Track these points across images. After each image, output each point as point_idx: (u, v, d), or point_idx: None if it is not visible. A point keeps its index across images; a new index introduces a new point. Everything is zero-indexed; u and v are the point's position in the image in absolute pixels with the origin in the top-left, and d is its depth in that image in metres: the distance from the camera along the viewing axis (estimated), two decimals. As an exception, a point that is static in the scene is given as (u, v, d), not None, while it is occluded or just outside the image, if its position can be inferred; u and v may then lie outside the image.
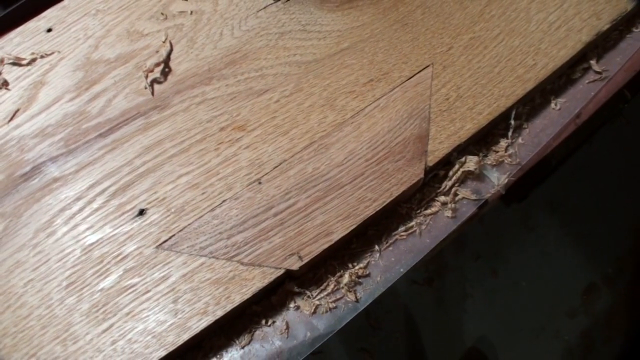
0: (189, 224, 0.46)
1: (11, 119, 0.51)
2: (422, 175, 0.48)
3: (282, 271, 0.45)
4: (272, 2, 0.54)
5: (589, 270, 1.57)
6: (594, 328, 1.52)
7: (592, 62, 0.57)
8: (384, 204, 0.47)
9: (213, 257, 0.45)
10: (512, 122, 0.53)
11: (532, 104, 0.55)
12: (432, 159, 0.48)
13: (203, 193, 0.47)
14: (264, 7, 0.54)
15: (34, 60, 0.53)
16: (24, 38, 0.54)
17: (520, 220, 1.60)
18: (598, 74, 0.57)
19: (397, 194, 0.47)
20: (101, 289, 0.45)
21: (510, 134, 0.53)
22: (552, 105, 0.56)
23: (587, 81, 0.57)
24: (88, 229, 0.47)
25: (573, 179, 1.61)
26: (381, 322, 1.45)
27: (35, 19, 0.55)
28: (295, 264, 0.45)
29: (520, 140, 0.54)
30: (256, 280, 0.44)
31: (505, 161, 0.53)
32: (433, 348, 1.49)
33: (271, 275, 0.44)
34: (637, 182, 1.61)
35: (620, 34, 0.59)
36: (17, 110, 0.51)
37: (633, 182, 1.61)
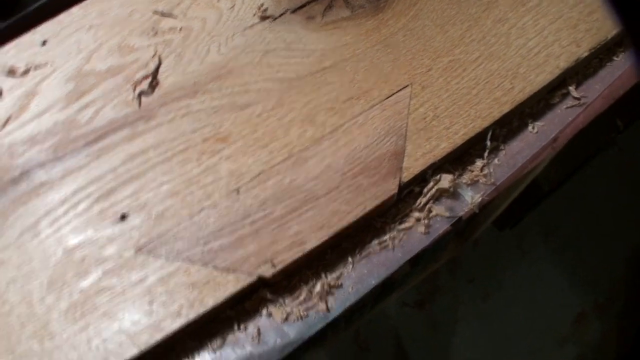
0: (168, 230, 0.48)
1: (3, 126, 0.53)
2: (395, 191, 0.49)
3: (255, 277, 0.46)
4: (259, 21, 0.56)
5: (581, 298, 1.56)
6: (583, 358, 1.51)
7: (571, 88, 0.59)
8: (357, 217, 0.48)
9: (189, 261, 0.46)
10: (489, 142, 0.54)
11: (509, 126, 0.57)
12: (407, 175, 0.50)
13: (183, 200, 0.49)
14: (251, 26, 0.56)
15: (27, 71, 0.55)
16: (20, 50, 0.56)
17: (514, 245, 1.61)
18: (576, 99, 0.58)
19: (370, 208, 0.48)
20: (80, 289, 0.46)
21: (486, 154, 0.55)
22: (530, 128, 0.57)
23: (565, 106, 0.58)
24: (71, 231, 0.48)
25: (567, 206, 1.61)
26: (370, 344, 1.45)
27: (31, 32, 0.57)
28: (268, 271, 0.46)
29: (496, 161, 0.55)
30: (230, 286, 0.46)
31: (480, 181, 0.54)
32: (422, 372, 1.49)
33: (244, 281, 0.46)
34: (631, 212, 1.61)
35: (601, 62, 0.61)
36: (9, 118, 0.53)
37: (627, 211, 1.62)
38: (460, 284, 1.54)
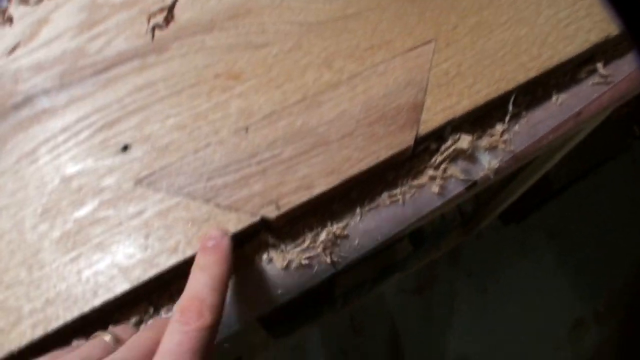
0: (171, 163, 0.45)
1: (10, 52, 0.51)
2: (412, 143, 0.47)
3: (258, 218, 0.44)
4: (282, -37, 0.54)
5: (580, 304, 1.54)
6: (576, 365, 1.49)
7: (599, 64, 0.56)
8: (370, 165, 0.46)
9: (191, 197, 0.44)
10: (511, 107, 0.52)
11: (533, 94, 0.54)
12: (425, 129, 0.48)
13: (189, 135, 0.47)
14: (273, -32, 0.54)
15: (40, -1, 0.53)
16: (34, -23, 0.54)
17: (518, 242, 1.58)
18: (603, 77, 0.56)
19: (384, 157, 0.46)
20: (75, 218, 0.44)
21: (507, 119, 0.52)
22: (554, 99, 0.55)
23: (591, 82, 0.56)
24: (70, 159, 0.46)
25: (575, 209, 1.59)
26: (364, 327, 1.43)
27: (47, -39, 0.55)
28: (272, 213, 0.44)
29: (516, 128, 0.53)
30: (230, 224, 0.44)
31: (499, 146, 0.52)
32: (412, 360, 1.46)
33: (246, 221, 0.44)
34: (637, 221, 1.59)
35: (630, 45, 0.59)
36: (17, 45, 0.51)
37: (634, 221, 1.59)
38: (460, 275, 1.52)
